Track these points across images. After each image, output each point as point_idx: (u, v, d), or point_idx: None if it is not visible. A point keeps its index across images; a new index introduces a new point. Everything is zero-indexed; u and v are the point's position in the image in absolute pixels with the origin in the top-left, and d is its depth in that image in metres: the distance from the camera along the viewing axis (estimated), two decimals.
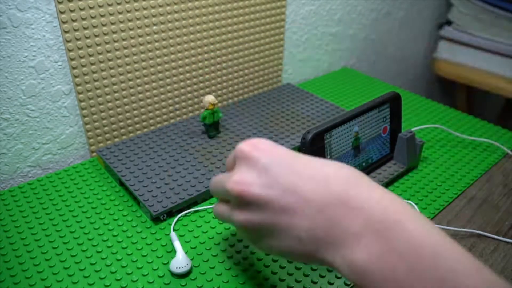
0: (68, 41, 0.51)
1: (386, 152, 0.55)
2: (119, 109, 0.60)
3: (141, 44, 0.58)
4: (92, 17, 0.52)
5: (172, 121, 0.66)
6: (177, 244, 0.42)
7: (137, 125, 0.63)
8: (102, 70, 0.56)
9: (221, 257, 0.43)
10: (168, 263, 0.42)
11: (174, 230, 0.46)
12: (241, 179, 0.30)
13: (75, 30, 0.51)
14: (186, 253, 0.43)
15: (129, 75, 0.59)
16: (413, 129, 0.57)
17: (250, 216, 0.30)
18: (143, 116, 0.63)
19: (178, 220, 0.47)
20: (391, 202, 0.27)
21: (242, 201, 0.30)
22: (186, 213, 0.48)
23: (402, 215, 0.27)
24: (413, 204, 0.47)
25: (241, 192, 0.30)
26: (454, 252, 0.25)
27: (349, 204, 0.27)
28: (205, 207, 0.49)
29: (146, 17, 0.57)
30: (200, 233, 0.46)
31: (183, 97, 0.66)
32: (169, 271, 0.41)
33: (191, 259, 0.42)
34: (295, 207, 0.29)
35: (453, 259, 0.25)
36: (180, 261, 0.40)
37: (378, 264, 0.26)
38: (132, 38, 0.56)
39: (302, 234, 0.28)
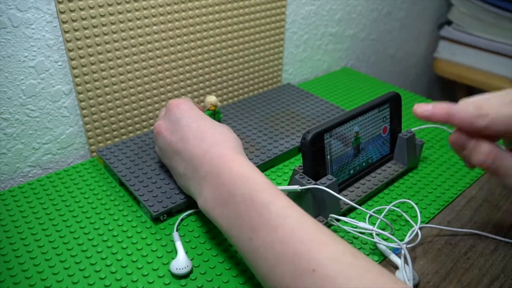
0: (68, 41, 0.51)
1: (386, 152, 0.55)
2: (119, 109, 0.60)
3: (141, 44, 0.58)
4: (92, 17, 0.52)
5: None
6: (178, 245, 0.42)
7: (137, 125, 0.63)
8: (102, 70, 0.56)
9: (221, 257, 0.43)
10: (168, 263, 0.42)
11: (174, 229, 0.46)
12: (159, 123, 0.46)
13: (75, 30, 0.51)
14: (186, 253, 0.42)
15: (129, 75, 0.59)
16: (413, 129, 0.57)
17: (160, 143, 0.46)
18: (143, 116, 0.63)
19: (182, 221, 0.47)
20: (228, 162, 0.38)
21: (158, 136, 0.46)
22: (189, 214, 0.48)
23: (233, 162, 0.38)
24: (413, 204, 0.47)
25: (156, 132, 0.46)
26: (260, 176, 0.36)
27: (205, 159, 0.39)
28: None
29: (146, 17, 0.57)
30: (200, 233, 0.46)
31: (183, 97, 0.66)
32: (169, 271, 0.41)
33: (191, 259, 0.42)
34: (181, 151, 0.42)
35: (256, 187, 0.35)
36: (180, 262, 0.40)
37: (213, 195, 0.37)
38: (132, 38, 0.56)
39: (180, 171, 0.43)
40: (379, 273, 0.28)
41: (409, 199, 0.51)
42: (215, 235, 0.45)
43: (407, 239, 0.43)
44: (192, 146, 0.41)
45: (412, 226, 0.46)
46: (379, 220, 0.45)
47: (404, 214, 0.47)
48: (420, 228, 0.47)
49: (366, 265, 0.29)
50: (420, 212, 0.48)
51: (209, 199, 0.38)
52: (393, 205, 0.47)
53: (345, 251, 0.30)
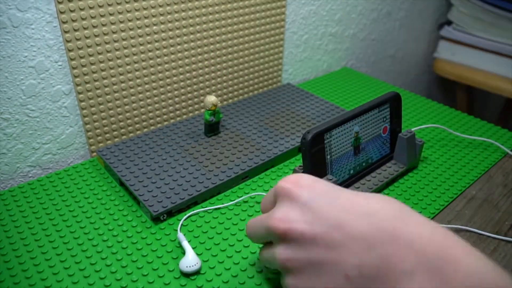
0: (68, 41, 0.51)
1: (386, 152, 0.55)
2: (119, 109, 0.60)
3: (141, 44, 0.58)
4: (92, 17, 0.52)
5: (172, 121, 0.66)
6: (185, 244, 0.43)
7: (137, 125, 0.63)
8: (102, 70, 0.56)
9: (221, 257, 0.43)
10: (168, 263, 0.42)
11: (178, 230, 0.46)
12: (284, 216, 0.30)
13: (75, 30, 0.51)
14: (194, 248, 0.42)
15: (129, 75, 0.59)
16: (413, 129, 0.57)
17: (295, 253, 0.29)
18: (143, 116, 0.63)
19: (183, 221, 0.47)
20: (444, 237, 0.27)
21: (286, 239, 0.29)
22: (190, 215, 0.48)
23: (456, 250, 0.26)
24: (409, 204, 0.47)
25: (286, 229, 0.29)
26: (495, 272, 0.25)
27: (399, 241, 0.26)
28: (206, 208, 0.49)
29: (146, 17, 0.57)
30: (200, 232, 0.46)
31: (183, 97, 0.66)
32: (180, 270, 0.41)
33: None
34: (342, 243, 0.28)
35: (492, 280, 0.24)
36: (190, 260, 0.41)
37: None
38: (132, 38, 0.56)
39: (350, 272, 0.27)
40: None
41: (409, 199, 0.51)
42: (214, 235, 0.45)
43: None
44: (360, 225, 0.28)
45: None
46: None
47: None
48: None
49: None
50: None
51: None
52: None
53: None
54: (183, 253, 0.43)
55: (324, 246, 0.28)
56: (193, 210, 0.48)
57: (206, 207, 0.49)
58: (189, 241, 0.44)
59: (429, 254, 0.26)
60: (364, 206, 0.29)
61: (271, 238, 0.31)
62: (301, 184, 0.31)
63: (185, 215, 0.47)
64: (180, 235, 0.44)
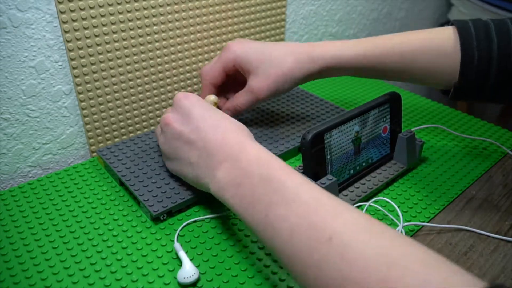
0: (68, 41, 0.52)
1: (386, 152, 0.55)
2: (119, 109, 0.60)
3: (141, 44, 0.58)
4: (92, 17, 0.52)
5: None
6: (182, 254, 0.42)
7: (137, 125, 0.63)
8: (103, 70, 0.56)
9: (221, 258, 0.43)
10: (168, 263, 0.42)
11: (175, 240, 0.45)
12: (168, 115, 0.45)
13: (76, 30, 0.52)
14: (191, 260, 0.42)
15: (129, 75, 0.59)
16: (413, 129, 0.57)
17: (166, 141, 0.45)
18: (143, 116, 0.63)
19: (181, 229, 0.47)
20: (245, 147, 0.39)
21: (165, 130, 0.45)
22: (186, 224, 0.47)
23: (251, 147, 0.39)
24: (394, 204, 0.47)
25: (165, 124, 0.45)
26: (277, 159, 0.37)
27: (222, 144, 0.40)
28: (203, 217, 0.49)
29: (146, 17, 0.57)
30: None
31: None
32: (177, 282, 0.40)
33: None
34: (194, 141, 0.42)
35: (273, 167, 0.36)
36: (187, 271, 0.40)
37: (228, 177, 0.38)
38: (132, 38, 0.57)
39: (192, 160, 0.42)
40: (394, 235, 0.29)
41: (409, 199, 0.51)
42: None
43: None
44: (207, 134, 0.41)
45: (396, 226, 0.46)
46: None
47: (389, 214, 0.47)
48: (420, 228, 0.47)
49: (381, 228, 0.29)
50: (406, 212, 0.49)
51: (223, 182, 0.38)
52: (381, 206, 0.47)
53: (359, 218, 0.30)
54: (180, 264, 0.42)
55: (184, 141, 0.43)
56: (190, 219, 0.48)
57: (207, 211, 0.49)
58: (186, 251, 0.43)
59: (233, 151, 0.39)
60: (217, 122, 0.42)
61: (160, 126, 0.47)
62: (188, 97, 0.45)
63: (181, 224, 0.46)
64: (177, 245, 0.43)
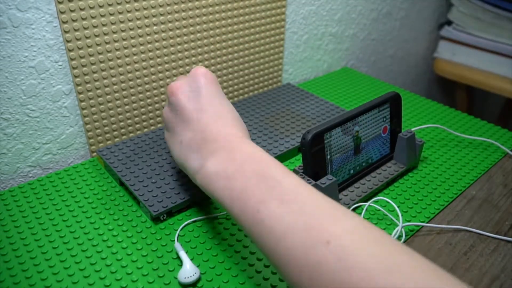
0: (68, 41, 0.51)
1: (386, 152, 0.55)
2: (119, 109, 0.60)
3: (141, 44, 0.58)
4: (92, 17, 0.52)
5: None
6: (182, 254, 0.42)
7: (137, 125, 0.63)
8: (103, 70, 0.56)
9: (220, 258, 0.43)
10: (168, 263, 0.42)
11: (175, 240, 0.45)
12: (179, 85, 0.43)
13: (75, 30, 0.51)
14: (192, 259, 0.42)
15: (129, 75, 0.59)
16: (413, 129, 0.57)
17: (168, 113, 0.44)
18: (143, 116, 0.63)
19: (181, 229, 0.47)
20: (242, 143, 0.38)
21: (170, 101, 0.43)
22: (186, 224, 0.47)
23: (248, 145, 0.38)
24: (393, 204, 0.47)
25: (172, 92, 0.43)
26: (273, 159, 0.36)
27: (219, 135, 0.39)
28: (203, 217, 0.49)
29: (146, 17, 0.57)
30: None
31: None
32: (178, 281, 0.40)
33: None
34: (192, 120, 0.41)
35: (269, 165, 0.35)
36: (188, 271, 0.40)
37: (219, 168, 0.37)
38: (132, 38, 0.56)
39: (183, 139, 0.41)
40: (393, 242, 0.28)
41: (409, 199, 0.51)
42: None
43: None
44: (209, 119, 0.40)
45: (396, 226, 0.46)
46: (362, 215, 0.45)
47: (389, 214, 0.47)
48: (420, 228, 0.47)
49: (380, 235, 0.29)
50: (406, 212, 0.49)
51: (213, 172, 0.37)
52: (381, 206, 0.47)
53: (359, 224, 0.30)
54: (180, 265, 0.42)
55: (183, 117, 0.42)
56: (190, 219, 0.48)
57: (207, 211, 0.49)
58: (186, 252, 0.43)
59: (231, 144, 0.38)
60: (224, 112, 0.41)
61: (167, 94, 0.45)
62: (205, 75, 0.43)
63: (181, 224, 0.47)
64: (177, 245, 0.43)
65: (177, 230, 0.46)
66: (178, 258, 0.42)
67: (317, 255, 0.28)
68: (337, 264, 0.27)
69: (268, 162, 0.36)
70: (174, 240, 0.44)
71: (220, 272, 0.41)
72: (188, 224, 0.47)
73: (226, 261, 0.42)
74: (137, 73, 0.59)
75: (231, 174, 0.36)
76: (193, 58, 0.64)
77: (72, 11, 0.50)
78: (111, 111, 0.59)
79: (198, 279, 0.40)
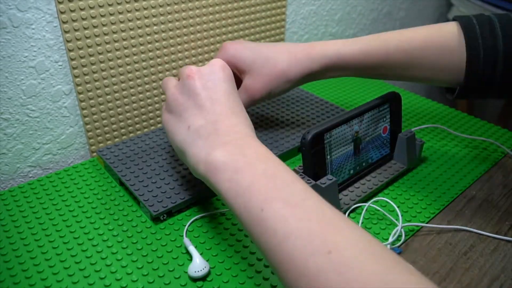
0: (68, 41, 0.52)
1: (386, 152, 0.55)
2: (119, 109, 0.60)
3: (141, 44, 0.58)
4: (92, 17, 0.52)
5: None
6: (192, 249, 0.42)
7: (137, 125, 0.63)
8: (103, 70, 0.56)
9: (227, 262, 0.43)
10: (168, 263, 0.42)
11: (184, 235, 0.45)
12: (197, 71, 0.42)
13: (75, 30, 0.52)
14: (201, 254, 0.42)
15: (129, 75, 0.59)
16: (413, 129, 0.57)
17: (177, 93, 0.42)
18: (143, 116, 0.63)
19: (189, 225, 0.47)
20: (255, 142, 0.38)
21: (183, 83, 0.42)
22: (194, 220, 0.47)
23: (259, 144, 0.37)
24: (393, 204, 0.46)
25: (189, 75, 0.41)
26: (283, 165, 0.35)
27: (232, 129, 0.38)
28: (211, 212, 0.49)
29: (146, 17, 0.57)
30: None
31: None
32: (188, 275, 0.40)
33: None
34: (204, 109, 0.40)
35: (279, 167, 0.34)
36: (197, 265, 0.40)
37: (228, 159, 0.35)
38: (132, 38, 0.57)
39: (192, 125, 0.39)
40: (395, 259, 0.28)
41: (409, 199, 0.51)
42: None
43: (390, 239, 0.43)
44: (222, 112, 0.40)
45: (396, 226, 0.46)
46: (361, 220, 0.45)
47: (388, 214, 0.47)
48: (420, 228, 0.47)
49: (382, 251, 0.29)
50: (406, 212, 0.49)
51: (220, 162, 0.36)
52: (381, 206, 0.47)
53: (361, 238, 0.29)
54: (190, 259, 0.42)
55: (196, 103, 0.40)
56: (192, 217, 0.48)
57: (208, 210, 0.49)
58: (195, 246, 0.43)
59: (244, 139, 0.37)
60: (238, 110, 0.41)
61: (179, 77, 0.44)
62: (225, 68, 0.42)
63: (190, 219, 0.47)
64: (186, 240, 0.44)
65: (177, 230, 0.46)
66: (188, 253, 0.42)
67: (317, 264, 0.28)
68: (336, 276, 0.27)
69: (278, 164, 0.35)
70: (174, 240, 0.44)
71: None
72: (196, 219, 0.47)
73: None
74: (137, 73, 0.59)
75: (240, 168, 0.34)
76: (193, 58, 0.64)
77: (72, 11, 0.50)
78: (111, 111, 0.59)
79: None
